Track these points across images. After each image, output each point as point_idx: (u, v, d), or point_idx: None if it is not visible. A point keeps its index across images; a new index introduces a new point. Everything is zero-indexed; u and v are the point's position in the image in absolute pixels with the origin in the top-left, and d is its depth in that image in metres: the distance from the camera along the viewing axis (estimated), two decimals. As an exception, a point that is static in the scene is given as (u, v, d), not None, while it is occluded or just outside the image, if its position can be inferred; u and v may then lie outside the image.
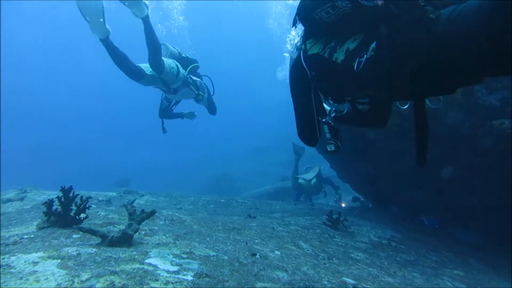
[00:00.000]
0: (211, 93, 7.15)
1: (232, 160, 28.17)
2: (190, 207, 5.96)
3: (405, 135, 4.41)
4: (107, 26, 5.31)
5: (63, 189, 2.54)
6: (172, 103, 7.06)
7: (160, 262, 2.19)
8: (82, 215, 2.64)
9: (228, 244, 2.96)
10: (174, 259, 2.28)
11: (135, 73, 5.66)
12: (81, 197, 2.62)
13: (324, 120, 2.39)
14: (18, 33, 39.17)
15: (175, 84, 6.22)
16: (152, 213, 2.58)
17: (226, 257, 2.48)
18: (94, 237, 2.39)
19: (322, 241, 3.77)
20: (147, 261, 2.17)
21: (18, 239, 2.32)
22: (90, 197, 2.69)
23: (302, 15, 2.14)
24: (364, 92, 2.02)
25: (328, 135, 2.44)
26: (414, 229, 5.24)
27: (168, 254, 2.34)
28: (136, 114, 46.46)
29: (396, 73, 1.64)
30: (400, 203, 5.63)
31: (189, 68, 6.45)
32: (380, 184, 5.59)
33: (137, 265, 2.07)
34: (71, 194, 2.55)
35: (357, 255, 3.50)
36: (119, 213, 3.43)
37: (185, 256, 2.37)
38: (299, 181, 9.72)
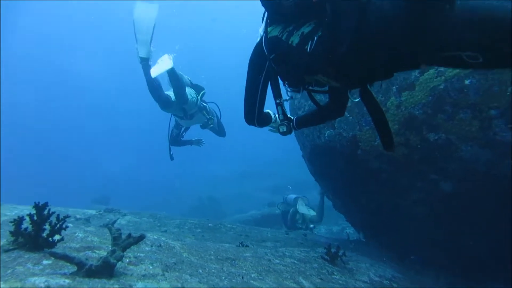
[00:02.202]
0: (219, 117, 7.84)
1: (218, 181, 27.63)
2: (176, 230, 5.53)
3: (413, 167, 4.17)
4: (152, 49, 6.22)
5: (36, 206, 2.16)
6: (182, 130, 7.59)
7: (147, 301, 1.83)
8: (57, 237, 2.25)
9: (223, 278, 2.59)
10: (163, 296, 1.92)
11: (164, 102, 6.42)
12: (58, 215, 2.25)
13: (278, 101, 2.51)
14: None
15: (192, 110, 6.89)
16: (140, 238, 2.22)
17: (223, 296, 2.12)
18: (68, 264, 2.01)
19: (322, 278, 3.43)
20: (130, 298, 1.81)
21: (-25, 263, 1.93)
22: (68, 216, 2.31)
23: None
24: (315, 76, 2.05)
25: (281, 117, 2.61)
26: (413, 269, 4.93)
27: (156, 290, 1.98)
28: (116, 123, 45.57)
29: (336, 53, 1.75)
30: (399, 240, 5.33)
31: (200, 94, 7.09)
32: (379, 219, 5.30)
33: (119, 304, 1.71)
34: (45, 212, 2.18)
35: (363, 297, 3.17)
36: (99, 235, 3.03)
37: (175, 293, 2.01)
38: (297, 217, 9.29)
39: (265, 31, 2.30)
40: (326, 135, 5.10)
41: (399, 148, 4.19)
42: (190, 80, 7.18)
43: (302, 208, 9.20)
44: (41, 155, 37.71)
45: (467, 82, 3.50)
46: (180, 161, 7.77)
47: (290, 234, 6.23)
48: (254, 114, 2.59)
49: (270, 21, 2.30)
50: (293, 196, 9.91)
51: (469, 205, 4.02)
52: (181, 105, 6.62)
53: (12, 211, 4.04)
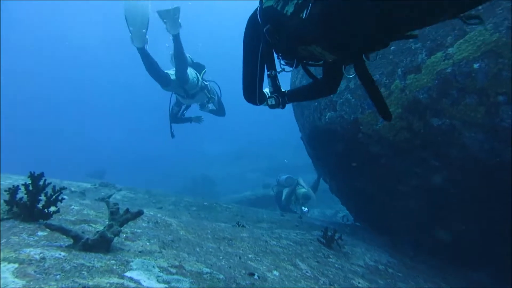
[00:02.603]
0: (219, 96, 7.91)
1: (213, 160, 27.69)
2: (171, 207, 5.50)
3: (414, 152, 4.12)
4: (147, 37, 6.06)
5: (32, 175, 2.09)
6: (183, 108, 7.67)
7: (144, 277, 1.78)
8: (52, 209, 2.19)
9: (221, 257, 2.56)
10: (161, 273, 1.88)
11: (163, 79, 6.43)
12: (54, 186, 2.18)
13: (268, 73, 2.44)
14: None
15: (194, 90, 6.94)
16: (138, 214, 2.16)
17: (221, 276, 2.08)
18: (64, 237, 1.96)
19: (319, 261, 3.41)
20: (127, 274, 1.76)
21: (-33, 232, 1.86)
22: (64, 188, 2.24)
23: None
24: (309, 46, 1.97)
25: (270, 89, 2.56)
26: (408, 255, 4.96)
27: (153, 267, 1.93)
28: (112, 98, 45.03)
29: (329, 20, 1.71)
30: (393, 225, 5.34)
31: (202, 73, 7.13)
32: (375, 203, 5.29)
33: (115, 279, 1.66)
34: (41, 182, 2.10)
35: (359, 282, 3.16)
36: (95, 209, 2.98)
37: (173, 270, 1.96)
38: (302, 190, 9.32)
39: (260, 2, 2.25)
40: (327, 117, 5.02)
41: (401, 132, 4.13)
42: (191, 59, 7.17)
43: (301, 186, 9.31)
44: (35, 127, 37.26)
45: (475, 66, 3.38)
46: (176, 139, 7.72)
47: (285, 216, 6.23)
48: (255, 93, 2.53)
49: None
50: (284, 176, 10.07)
51: (466, 192, 4.00)
52: (182, 85, 6.64)
53: (6, 180, 3.97)
